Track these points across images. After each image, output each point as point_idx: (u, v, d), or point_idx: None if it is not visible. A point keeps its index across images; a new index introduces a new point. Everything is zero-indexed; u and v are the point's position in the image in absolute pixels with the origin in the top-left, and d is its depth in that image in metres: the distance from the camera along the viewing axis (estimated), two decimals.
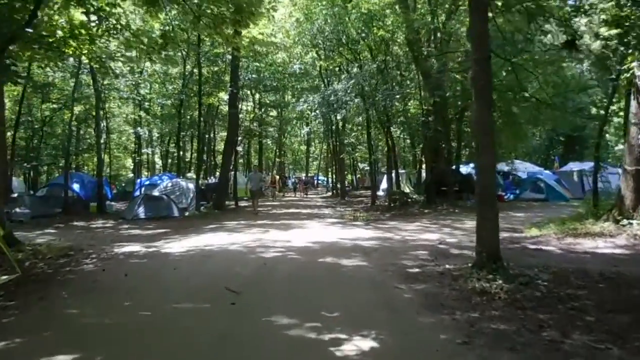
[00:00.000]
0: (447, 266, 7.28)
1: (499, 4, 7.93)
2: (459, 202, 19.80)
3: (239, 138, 29.33)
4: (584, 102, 29.12)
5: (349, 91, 18.17)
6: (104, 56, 11.69)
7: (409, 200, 21.23)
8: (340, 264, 7.77)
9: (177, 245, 10.08)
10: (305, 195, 36.53)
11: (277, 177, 39.31)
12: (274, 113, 41.44)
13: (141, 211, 18.16)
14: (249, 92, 33.50)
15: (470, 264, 6.89)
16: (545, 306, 5.03)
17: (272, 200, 30.03)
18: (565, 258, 7.90)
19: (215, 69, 25.53)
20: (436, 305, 5.19)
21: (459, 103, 19.96)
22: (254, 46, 17.99)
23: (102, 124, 26.69)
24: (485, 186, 6.84)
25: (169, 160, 37.01)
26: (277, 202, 29.02)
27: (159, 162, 43.04)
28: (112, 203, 24.67)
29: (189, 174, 34.74)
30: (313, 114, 25.31)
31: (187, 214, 19.04)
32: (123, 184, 34.73)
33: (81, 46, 10.74)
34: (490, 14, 7.48)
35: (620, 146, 19.90)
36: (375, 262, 7.85)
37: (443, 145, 20.77)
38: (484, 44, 6.85)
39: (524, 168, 28.50)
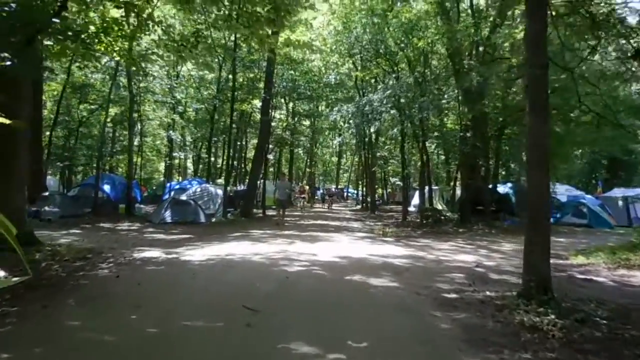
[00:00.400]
0: (488, 293, 6.57)
1: (560, 8, 7.25)
2: (495, 222, 18.96)
3: (270, 146, 29.03)
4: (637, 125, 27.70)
5: (384, 102, 17.54)
6: (135, 54, 11.39)
7: (442, 217, 20.42)
8: (368, 283, 7.14)
9: (199, 253, 9.62)
10: (329, 208, 35.91)
11: (307, 187, 38.83)
12: (306, 122, 41.10)
13: (168, 215, 17.91)
14: (282, 100, 33.29)
15: (514, 293, 6.18)
16: (608, 350, 4.31)
17: (300, 211, 29.57)
18: (621, 292, 7.10)
19: (251, 75, 25.35)
20: (479, 341, 4.51)
21: (500, 119, 19.09)
22: (289, 48, 17.50)
23: (136, 127, 26.84)
24: (536, 207, 6.18)
25: (200, 166, 37.04)
26: (305, 212, 28.53)
27: (190, 167, 43.22)
28: (142, 206, 24.62)
29: (219, 180, 34.61)
30: (346, 125, 24.83)
31: (213, 220, 18.70)
32: (154, 187, 34.88)
33: (113, 43, 10.49)
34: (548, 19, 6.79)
35: None
36: (407, 283, 7.20)
37: (480, 163, 19.91)
38: (542, 51, 6.20)
39: (563, 191, 27.38)
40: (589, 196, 26.55)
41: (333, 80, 32.66)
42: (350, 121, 20.70)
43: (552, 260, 10.44)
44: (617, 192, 25.68)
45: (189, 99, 30.72)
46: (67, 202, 20.08)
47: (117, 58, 12.17)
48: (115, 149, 28.71)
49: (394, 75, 21.47)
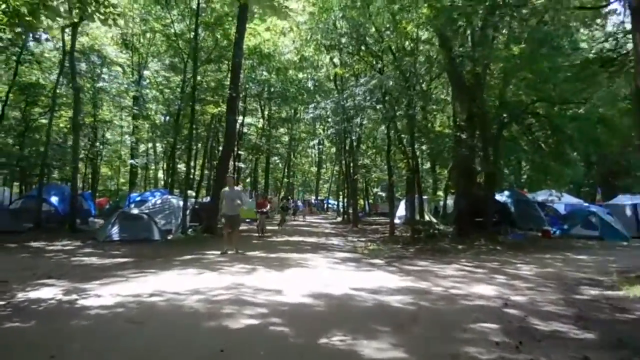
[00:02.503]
0: None
1: None
2: (497, 236, 16.36)
3: (241, 153, 26.27)
4: None
5: (368, 96, 14.78)
6: None
7: (435, 232, 17.76)
8: (358, 352, 4.37)
9: (115, 291, 6.78)
10: (302, 219, 33.20)
11: (270, 199, 36.02)
12: (283, 129, 38.50)
13: (115, 232, 15.14)
14: (257, 105, 30.61)
15: None
16: None
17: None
18: None
19: (218, 74, 22.60)
20: None
21: (504, 116, 16.48)
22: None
23: (84, 131, 23.89)
24: None
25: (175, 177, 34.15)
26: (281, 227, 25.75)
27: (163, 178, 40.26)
28: (96, 220, 21.80)
29: (190, 191, 31.70)
30: (325, 124, 22.17)
31: (170, 237, 15.80)
32: (117, 199, 31.71)
33: None
34: None
35: None
36: (419, 349, 4.46)
37: (479, 168, 17.31)
38: None
39: (559, 199, 25.12)
40: (590, 205, 24.36)
41: (310, 84, 30.11)
42: (329, 119, 17.94)
43: (597, 291, 7.89)
44: (624, 199, 23.39)
45: (153, 103, 27.81)
46: (4, 216, 17.88)
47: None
48: (67, 157, 25.61)
49: (377, 70, 18.81)
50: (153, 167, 39.27)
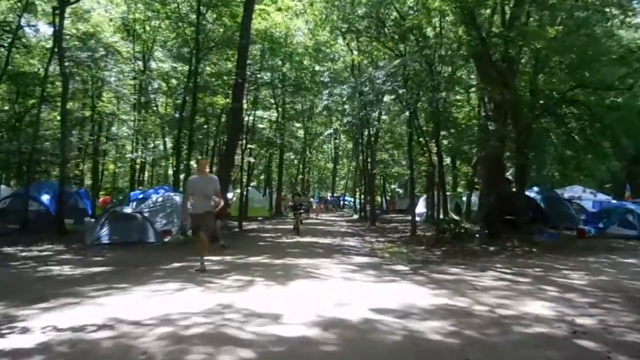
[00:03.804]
0: None
1: None
2: (530, 236, 14.70)
3: (251, 147, 24.82)
4: None
5: (388, 80, 13.08)
6: None
7: (462, 231, 16.10)
8: None
9: (54, 320, 5.11)
10: (315, 217, 31.65)
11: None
12: (298, 124, 37.02)
13: (104, 234, 13.74)
14: (270, 97, 29.08)
15: None
16: None
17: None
18: None
19: (227, 63, 21.06)
20: None
21: (541, 102, 14.70)
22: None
23: (85, 125, 22.63)
24: None
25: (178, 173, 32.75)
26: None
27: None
28: (92, 220, 20.42)
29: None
30: (340, 122, 20.57)
31: (167, 239, 14.37)
32: (120, 197, 30.47)
33: None
34: None
35: None
36: None
37: (511, 161, 15.61)
38: None
39: (586, 196, 23.39)
40: (624, 202, 22.57)
41: (327, 76, 28.52)
42: (346, 106, 16.32)
43: None
44: None
45: (159, 94, 26.48)
46: None
47: None
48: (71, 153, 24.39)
49: (398, 55, 17.14)
50: (163, 163, 38.01)
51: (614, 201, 23.39)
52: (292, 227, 18.83)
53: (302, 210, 17.61)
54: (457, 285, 7.58)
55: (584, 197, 23.38)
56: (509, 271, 9.44)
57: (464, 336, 4.81)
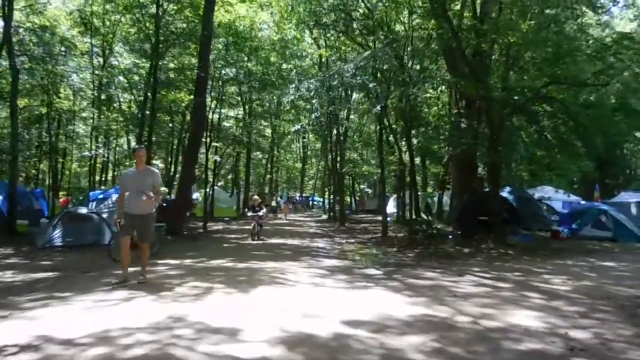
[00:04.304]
0: None
1: None
2: (504, 237, 14.27)
3: (216, 145, 23.89)
4: None
5: (357, 73, 12.41)
6: None
7: (434, 232, 15.60)
8: None
9: None
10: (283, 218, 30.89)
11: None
12: (266, 123, 36.21)
13: (57, 236, 12.76)
14: (236, 94, 28.20)
15: None
16: None
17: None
18: None
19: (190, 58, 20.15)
20: None
21: (516, 98, 14.26)
22: None
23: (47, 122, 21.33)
24: None
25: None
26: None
27: None
28: (47, 220, 19.22)
29: (162, 188, 29.18)
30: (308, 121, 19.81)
31: None
32: (80, 198, 29.09)
33: None
34: None
35: None
36: None
37: (485, 160, 15.20)
38: None
39: (556, 196, 23.23)
40: (593, 202, 22.54)
41: (294, 74, 27.77)
42: (314, 101, 15.64)
43: None
44: (627, 197, 21.61)
45: (121, 90, 25.28)
46: None
47: None
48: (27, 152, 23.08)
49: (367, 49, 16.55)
50: (127, 163, 36.64)
51: (583, 202, 23.31)
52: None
53: (260, 213, 15.65)
54: (435, 292, 6.96)
55: (554, 197, 23.25)
56: (487, 275, 8.90)
57: (449, 355, 4.18)
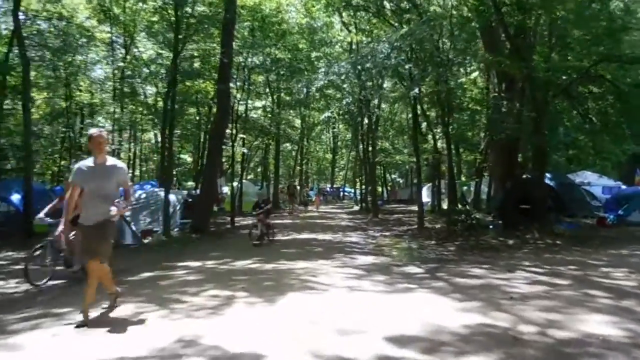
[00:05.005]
0: None
1: None
2: (550, 226, 13.23)
3: (242, 136, 23.29)
4: None
5: (393, 52, 11.45)
6: None
7: (473, 222, 14.63)
8: None
9: None
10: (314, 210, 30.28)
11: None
12: (294, 112, 35.48)
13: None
14: (264, 84, 27.50)
15: None
16: None
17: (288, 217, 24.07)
18: None
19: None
20: None
21: (564, 78, 13.13)
22: None
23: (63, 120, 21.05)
24: None
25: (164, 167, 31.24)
26: (291, 219, 22.86)
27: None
28: None
29: (189, 183, 28.81)
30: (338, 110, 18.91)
31: (146, 240, 12.91)
32: None
33: None
34: None
35: None
36: None
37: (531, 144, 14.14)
38: None
39: (595, 180, 22.29)
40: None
41: (323, 63, 26.94)
42: (345, 86, 14.78)
43: None
44: None
45: (144, 83, 24.87)
46: None
47: None
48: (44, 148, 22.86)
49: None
50: (155, 158, 36.46)
51: (624, 187, 22.01)
52: (289, 219, 16.68)
53: (262, 210, 13.07)
54: (487, 294, 6.14)
55: (593, 182, 22.10)
56: (540, 270, 8.04)
57: None
